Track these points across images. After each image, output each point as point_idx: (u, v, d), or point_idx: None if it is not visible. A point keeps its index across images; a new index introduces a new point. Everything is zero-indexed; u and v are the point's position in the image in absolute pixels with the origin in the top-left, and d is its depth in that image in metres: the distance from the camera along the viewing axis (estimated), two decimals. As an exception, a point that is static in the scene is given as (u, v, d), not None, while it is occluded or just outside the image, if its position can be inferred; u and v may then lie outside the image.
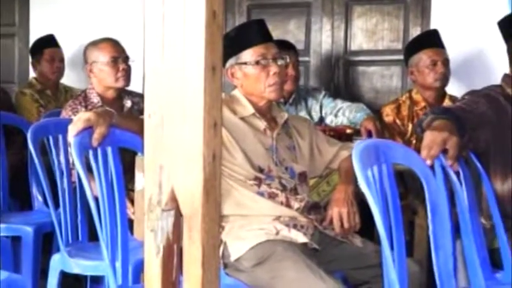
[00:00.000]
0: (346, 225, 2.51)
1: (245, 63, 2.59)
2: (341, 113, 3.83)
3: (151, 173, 1.45)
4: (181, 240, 1.46)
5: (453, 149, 2.14)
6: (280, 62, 2.60)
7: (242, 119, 2.59)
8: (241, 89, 2.64)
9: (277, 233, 2.44)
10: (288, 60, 2.70)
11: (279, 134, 2.65)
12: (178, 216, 1.45)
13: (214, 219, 1.46)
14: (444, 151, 2.14)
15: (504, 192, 2.54)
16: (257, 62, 2.57)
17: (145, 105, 1.46)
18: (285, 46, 3.76)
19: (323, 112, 3.92)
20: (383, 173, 1.78)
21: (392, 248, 1.79)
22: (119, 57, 3.50)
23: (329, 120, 3.88)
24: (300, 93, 3.95)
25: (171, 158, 1.43)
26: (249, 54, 2.59)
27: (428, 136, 2.16)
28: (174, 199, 1.44)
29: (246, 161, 2.52)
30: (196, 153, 1.40)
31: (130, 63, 3.56)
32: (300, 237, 2.44)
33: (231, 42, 2.63)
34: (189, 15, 1.39)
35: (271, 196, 2.52)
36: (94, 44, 3.58)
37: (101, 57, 3.49)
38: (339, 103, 3.89)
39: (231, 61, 2.63)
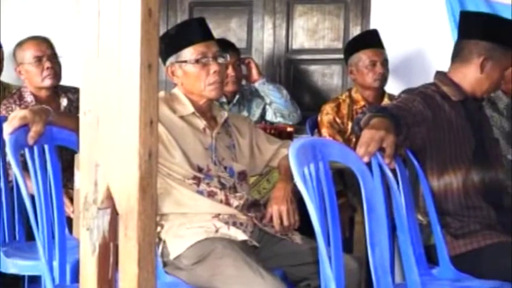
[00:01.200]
0: (285, 223, 2.53)
1: (185, 62, 2.58)
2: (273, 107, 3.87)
3: (87, 171, 1.44)
4: (117, 238, 1.45)
5: (390, 148, 2.17)
6: (220, 61, 2.60)
7: (182, 117, 2.59)
8: (181, 88, 2.63)
9: (217, 231, 2.45)
10: (228, 59, 2.71)
11: (218, 133, 2.65)
12: (115, 214, 1.44)
13: (151, 217, 1.46)
14: (381, 149, 2.17)
15: (440, 188, 2.60)
16: (197, 61, 2.57)
17: (80, 103, 1.44)
18: (225, 45, 3.76)
19: (268, 100, 3.91)
20: (320, 171, 1.80)
21: (329, 244, 1.81)
22: (43, 56, 3.45)
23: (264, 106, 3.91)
24: (244, 94, 3.95)
25: (107, 156, 1.42)
26: (189, 53, 2.58)
27: (366, 134, 2.18)
28: (110, 197, 1.43)
29: (185, 160, 2.51)
30: (132, 151, 1.39)
31: (60, 59, 3.51)
32: (240, 235, 2.45)
33: (171, 41, 2.62)
34: (124, 13, 1.38)
35: (211, 194, 2.53)
36: (19, 44, 3.53)
37: (26, 58, 3.45)
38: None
39: (171, 59, 2.62)
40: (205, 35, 2.64)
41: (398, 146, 2.40)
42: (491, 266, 2.47)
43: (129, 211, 1.42)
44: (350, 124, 3.67)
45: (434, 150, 2.58)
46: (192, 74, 2.58)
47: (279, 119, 3.86)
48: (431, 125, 2.53)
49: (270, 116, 3.89)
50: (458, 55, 2.66)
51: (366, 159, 2.08)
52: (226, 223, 2.48)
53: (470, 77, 2.63)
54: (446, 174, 2.59)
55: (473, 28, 2.65)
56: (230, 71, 3.74)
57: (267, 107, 3.89)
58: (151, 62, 1.41)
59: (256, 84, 3.87)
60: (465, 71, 2.64)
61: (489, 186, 2.63)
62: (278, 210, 2.53)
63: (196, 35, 2.61)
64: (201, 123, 2.61)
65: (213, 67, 2.57)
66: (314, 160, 1.76)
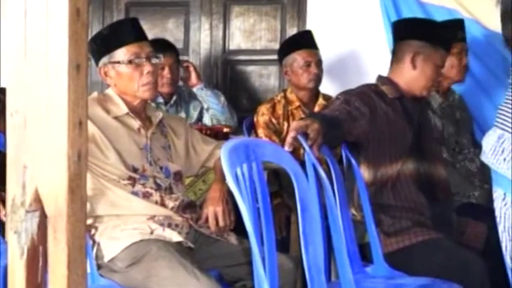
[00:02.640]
0: (221, 223, 2.53)
1: (118, 62, 2.55)
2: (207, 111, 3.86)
3: (14, 173, 1.41)
4: (46, 241, 1.43)
5: (313, 132, 2.25)
6: (154, 61, 2.59)
7: (116, 118, 2.56)
8: (114, 88, 2.60)
9: (152, 233, 2.43)
10: (162, 59, 2.69)
11: (153, 133, 2.63)
12: (43, 217, 1.42)
13: (80, 219, 1.44)
14: (306, 137, 2.24)
15: (377, 181, 2.66)
16: (130, 61, 2.54)
17: (7, 104, 1.41)
18: (164, 46, 3.75)
19: (205, 106, 3.90)
20: (253, 171, 1.80)
21: (263, 244, 1.82)
22: None
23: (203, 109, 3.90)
24: (182, 95, 3.92)
25: (35, 158, 1.40)
26: (122, 53, 2.56)
27: (292, 124, 2.29)
28: (38, 200, 1.41)
29: (120, 161, 2.49)
30: (61, 153, 1.38)
31: None
32: (175, 236, 2.44)
33: (104, 41, 2.59)
34: (52, 12, 1.36)
35: (146, 195, 2.51)
36: None
37: None
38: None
39: (103, 60, 2.59)
40: (139, 36, 2.61)
41: (333, 143, 2.47)
42: (422, 262, 2.53)
43: (58, 213, 1.40)
44: (286, 124, 3.69)
45: (373, 144, 2.67)
46: (125, 74, 2.55)
47: (215, 124, 3.85)
48: (369, 120, 2.63)
49: (207, 120, 3.87)
50: (394, 57, 2.82)
51: (286, 147, 2.14)
52: (162, 224, 2.46)
53: (406, 75, 2.77)
54: (383, 166, 2.67)
55: (404, 30, 2.83)
56: (166, 72, 3.72)
57: (204, 111, 3.88)
58: (80, 62, 1.40)
59: (195, 89, 3.85)
60: (400, 70, 2.79)
61: (424, 179, 2.71)
62: (214, 211, 2.53)
63: (129, 35, 2.59)
64: (135, 123, 2.59)
65: (147, 68, 2.55)
66: (247, 160, 1.76)
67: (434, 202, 2.71)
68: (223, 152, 1.65)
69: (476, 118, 3.84)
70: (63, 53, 1.36)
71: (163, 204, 2.52)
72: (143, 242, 2.38)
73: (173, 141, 2.72)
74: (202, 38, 4.71)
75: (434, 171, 2.79)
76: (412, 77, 2.77)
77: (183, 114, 3.86)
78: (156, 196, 2.52)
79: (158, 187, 2.54)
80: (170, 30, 4.73)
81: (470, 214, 3.00)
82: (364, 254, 2.61)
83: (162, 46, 3.73)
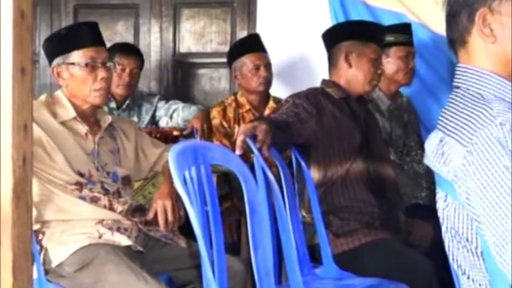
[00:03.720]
0: (170, 218, 2.52)
1: (73, 64, 2.53)
2: (176, 114, 3.84)
3: (-42, 178, 1.40)
4: (-9, 247, 1.41)
5: (261, 134, 2.27)
6: (109, 64, 2.58)
7: (62, 123, 2.53)
8: (65, 90, 2.58)
9: (100, 237, 2.41)
10: (115, 67, 2.68)
11: (101, 137, 2.61)
12: (-12, 222, 1.40)
13: (26, 224, 1.43)
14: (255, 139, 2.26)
15: (326, 181, 2.69)
16: (86, 65, 2.53)
17: (-50, 108, 1.39)
18: (132, 50, 3.76)
19: (157, 115, 3.90)
20: (201, 174, 1.80)
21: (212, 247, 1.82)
22: None
23: (164, 122, 3.87)
24: (135, 99, 3.90)
25: (-21, 162, 1.38)
26: (78, 56, 2.54)
27: (240, 128, 2.33)
28: (-18, 205, 1.39)
29: (67, 166, 2.46)
30: (5, 157, 1.36)
31: None
32: (124, 240, 2.43)
33: (60, 41, 2.58)
34: (-5, 15, 1.35)
35: (94, 200, 2.49)
36: None
37: None
38: (173, 105, 3.89)
39: (58, 60, 2.57)
40: (97, 40, 2.60)
41: (282, 145, 2.49)
42: (370, 263, 2.56)
43: (3, 219, 1.38)
44: (237, 128, 3.69)
45: (322, 144, 2.71)
46: (79, 77, 2.54)
47: (175, 120, 3.84)
48: (317, 121, 2.68)
49: (164, 124, 3.85)
50: (331, 62, 2.92)
51: (237, 150, 2.15)
52: (110, 229, 2.45)
53: (344, 75, 2.86)
54: (333, 166, 2.70)
55: (331, 37, 2.94)
56: (126, 75, 3.71)
57: (174, 114, 3.85)
58: (25, 65, 1.39)
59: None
60: (338, 72, 2.87)
61: (374, 178, 2.75)
62: (162, 205, 2.51)
63: (88, 39, 2.57)
64: (82, 128, 2.56)
65: (101, 73, 2.53)
66: (195, 164, 1.76)
67: (384, 201, 2.75)
68: (171, 155, 1.65)
69: (423, 120, 3.90)
70: (7, 56, 1.34)
71: (111, 209, 2.51)
72: (91, 247, 2.37)
73: (123, 144, 2.70)
74: (152, 41, 4.69)
75: (383, 170, 2.84)
76: (350, 75, 2.85)
77: (135, 119, 3.84)
78: (104, 200, 2.50)
79: (106, 191, 2.52)
80: (120, 33, 4.70)
81: (417, 215, 3.05)
82: (314, 256, 2.63)
83: (128, 50, 3.73)
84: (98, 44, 2.60)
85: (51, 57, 2.60)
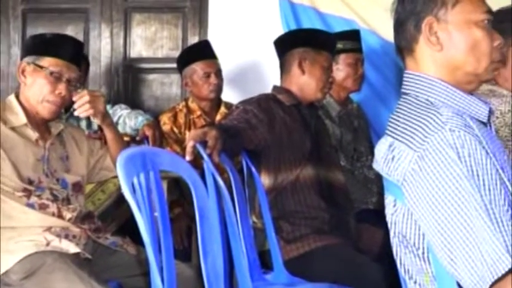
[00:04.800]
0: None
1: (41, 67, 2.51)
2: (122, 120, 3.79)
3: None
4: None
5: (212, 140, 2.26)
6: (73, 86, 2.57)
7: (13, 129, 2.49)
8: (23, 89, 2.55)
9: (48, 244, 2.38)
10: (78, 91, 2.65)
11: (52, 144, 2.58)
12: None
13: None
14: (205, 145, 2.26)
15: (277, 187, 2.69)
16: (51, 73, 2.51)
17: None
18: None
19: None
20: (150, 181, 1.79)
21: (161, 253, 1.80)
22: None
23: None
24: None
25: None
26: (48, 62, 2.53)
27: (190, 134, 2.31)
28: None
29: (14, 173, 2.42)
30: None
31: None
32: (72, 247, 2.40)
33: (41, 43, 2.59)
34: None
35: (42, 207, 2.45)
36: None
37: None
38: (119, 110, 3.85)
39: (29, 58, 2.56)
40: (74, 58, 2.60)
41: (233, 151, 2.49)
42: (320, 268, 2.58)
43: None
44: (188, 134, 3.67)
45: (273, 150, 2.72)
46: (39, 82, 2.52)
47: (121, 126, 3.79)
48: (268, 127, 2.69)
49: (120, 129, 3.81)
50: (283, 68, 2.93)
51: (187, 156, 2.15)
52: (58, 236, 2.42)
53: (297, 81, 2.87)
54: (283, 172, 2.72)
55: (284, 43, 2.95)
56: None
57: (120, 120, 3.80)
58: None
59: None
60: (291, 78, 2.89)
61: (324, 184, 2.78)
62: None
63: (67, 52, 2.58)
64: (33, 134, 2.53)
65: (61, 89, 2.53)
66: (144, 170, 1.75)
67: (334, 207, 2.77)
68: (119, 162, 1.63)
69: (373, 126, 3.94)
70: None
71: (60, 216, 2.47)
72: (38, 254, 2.33)
73: (73, 151, 2.67)
74: (102, 46, 4.64)
75: (333, 176, 2.86)
76: (303, 82, 2.86)
77: (84, 123, 3.79)
78: (53, 207, 2.47)
79: (55, 198, 2.49)
80: (69, 37, 4.64)
81: (367, 220, 3.08)
82: (265, 262, 2.63)
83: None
84: (73, 61, 2.60)
85: (25, 53, 2.61)
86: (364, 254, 2.71)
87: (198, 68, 3.69)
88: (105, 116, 2.63)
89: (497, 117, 2.24)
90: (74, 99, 2.56)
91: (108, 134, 2.68)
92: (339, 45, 3.41)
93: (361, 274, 2.50)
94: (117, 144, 2.69)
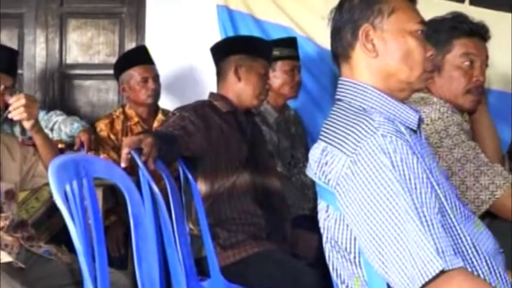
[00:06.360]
0: None
1: None
2: (57, 126, 3.73)
3: None
4: None
5: (147, 147, 2.24)
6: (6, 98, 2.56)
7: None
8: None
9: (-21, 253, 2.34)
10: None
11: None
12: None
13: None
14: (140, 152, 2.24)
15: (213, 193, 2.70)
16: None
17: None
18: None
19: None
20: (84, 188, 1.76)
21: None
22: None
23: None
24: None
25: None
26: None
27: (125, 140, 2.28)
28: None
29: None
30: None
31: None
32: (4, 256, 2.36)
33: None
34: None
35: (-27, 216, 2.41)
36: None
37: None
38: (54, 116, 3.79)
39: None
40: (7, 66, 2.61)
41: (169, 158, 2.48)
42: (256, 274, 2.59)
43: None
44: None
45: (210, 157, 2.72)
46: None
47: (57, 133, 3.74)
48: (204, 134, 2.69)
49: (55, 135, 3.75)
50: (219, 75, 2.93)
51: (122, 163, 2.13)
52: (-10, 245, 2.37)
53: (233, 88, 2.88)
54: (220, 179, 2.72)
55: (221, 50, 2.96)
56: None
57: (55, 126, 3.74)
58: None
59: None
60: (227, 85, 2.89)
61: (260, 190, 2.79)
62: None
63: (2, 62, 2.60)
64: (-36, 141, 2.48)
65: None
66: (77, 177, 1.72)
67: (270, 213, 2.78)
68: (50, 169, 1.60)
69: (310, 132, 3.98)
70: None
71: (-8, 224, 2.43)
72: (-30, 263, 2.29)
73: (5, 158, 2.62)
74: (37, 52, 4.58)
75: (269, 182, 2.88)
76: (239, 88, 2.87)
77: (17, 129, 3.73)
78: (-14, 216, 2.42)
79: (-13, 206, 2.45)
80: (3, 42, 4.53)
81: (304, 226, 3.10)
82: (202, 268, 2.62)
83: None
84: (7, 71, 2.61)
85: None
86: (300, 260, 2.73)
87: (135, 73, 3.67)
88: (36, 122, 2.60)
89: (428, 124, 2.28)
90: (10, 101, 2.52)
91: (38, 140, 2.64)
92: (276, 52, 3.44)
93: (297, 279, 2.51)
94: (47, 151, 2.65)
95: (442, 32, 2.40)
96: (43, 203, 2.91)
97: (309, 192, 3.53)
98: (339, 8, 1.74)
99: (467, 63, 2.39)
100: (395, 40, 1.67)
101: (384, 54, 1.67)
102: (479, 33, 2.42)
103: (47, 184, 2.75)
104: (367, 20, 1.68)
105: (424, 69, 1.70)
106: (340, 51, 1.74)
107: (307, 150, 3.74)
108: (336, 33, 1.74)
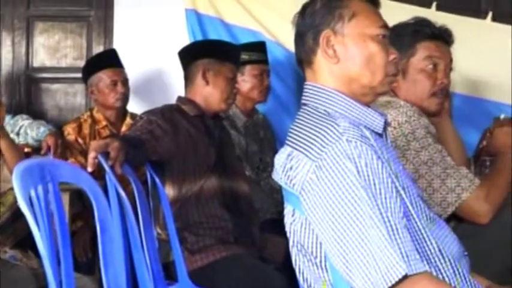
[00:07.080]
0: None
1: None
2: (23, 130, 3.69)
3: None
4: None
5: (114, 151, 2.23)
6: None
7: None
8: None
9: None
10: None
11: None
12: None
13: None
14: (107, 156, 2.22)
15: (181, 198, 2.69)
16: None
17: None
18: None
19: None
20: (49, 193, 1.75)
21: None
22: None
23: None
24: None
25: None
26: None
27: (91, 144, 2.27)
28: None
29: None
30: None
31: None
32: (-32, 262, 2.33)
33: None
34: None
35: None
36: None
37: None
38: (20, 120, 3.75)
39: None
40: None
41: (136, 162, 2.47)
42: (224, 278, 2.58)
43: None
44: (93, 144, 3.61)
45: (177, 161, 2.71)
46: None
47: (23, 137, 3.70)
48: (172, 138, 2.68)
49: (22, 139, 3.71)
50: (187, 79, 2.93)
51: (89, 168, 2.12)
52: (-46, 250, 2.34)
53: (201, 92, 2.87)
54: (188, 183, 2.72)
55: (188, 54, 2.95)
56: None
57: (21, 130, 3.70)
58: None
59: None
60: (195, 89, 2.88)
61: (228, 195, 2.79)
62: None
63: None
64: None
65: None
66: (42, 182, 1.71)
67: (238, 217, 2.78)
68: (15, 173, 1.59)
69: (279, 137, 3.97)
70: None
71: (-44, 231, 2.40)
72: None
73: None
74: (3, 55, 4.53)
75: (237, 186, 2.88)
76: (207, 92, 2.86)
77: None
78: (-50, 222, 2.40)
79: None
80: (-31, 45, 4.51)
81: (272, 229, 3.09)
82: (170, 273, 2.61)
83: None
84: None
85: None
86: (268, 264, 2.73)
87: (104, 76, 3.66)
88: (1, 127, 2.57)
89: (395, 128, 2.29)
90: None
91: (2, 144, 2.61)
92: (245, 57, 3.44)
93: (265, 283, 2.51)
94: (12, 155, 2.62)
95: (405, 36, 2.42)
96: (8, 208, 2.87)
97: (278, 196, 3.52)
98: (302, 13, 1.74)
99: (430, 66, 2.42)
100: (356, 45, 1.67)
101: (345, 59, 1.68)
102: (442, 36, 2.45)
103: (12, 189, 2.72)
104: (328, 26, 1.68)
105: (386, 74, 1.71)
106: (303, 57, 1.75)
107: (275, 154, 3.73)
108: (299, 39, 1.74)
